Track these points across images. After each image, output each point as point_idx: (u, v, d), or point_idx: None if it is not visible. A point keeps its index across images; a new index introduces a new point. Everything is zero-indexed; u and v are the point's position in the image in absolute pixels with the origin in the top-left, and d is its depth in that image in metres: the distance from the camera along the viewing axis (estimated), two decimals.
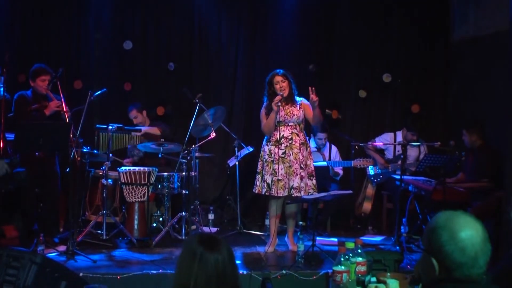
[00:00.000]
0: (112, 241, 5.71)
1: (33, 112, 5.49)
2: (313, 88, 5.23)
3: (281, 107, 5.35)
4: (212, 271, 2.03)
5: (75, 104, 5.82)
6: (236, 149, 6.71)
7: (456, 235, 1.84)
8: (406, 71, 7.73)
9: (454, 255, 1.83)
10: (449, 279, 1.85)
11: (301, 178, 5.34)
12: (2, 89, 5.37)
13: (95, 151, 5.97)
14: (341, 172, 6.94)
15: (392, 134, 6.99)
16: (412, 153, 6.87)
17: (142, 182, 5.87)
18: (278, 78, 5.41)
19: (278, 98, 5.28)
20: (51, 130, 5.08)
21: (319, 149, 6.87)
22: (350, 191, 5.57)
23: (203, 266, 2.03)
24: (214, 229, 6.61)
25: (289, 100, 5.44)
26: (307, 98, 5.38)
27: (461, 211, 1.93)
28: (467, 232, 1.85)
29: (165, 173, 6.10)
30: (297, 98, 5.52)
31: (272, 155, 5.38)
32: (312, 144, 6.73)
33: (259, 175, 5.50)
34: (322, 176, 6.23)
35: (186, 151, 6.02)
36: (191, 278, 2.03)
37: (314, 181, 5.45)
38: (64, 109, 5.37)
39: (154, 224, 6.25)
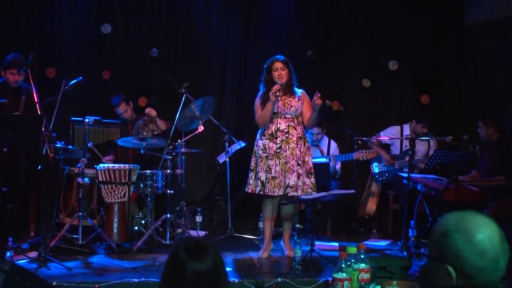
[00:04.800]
0: (89, 247, 5.69)
1: None
2: (320, 95, 5.18)
3: (278, 97, 5.33)
4: (192, 282, 2.00)
5: (47, 94, 5.79)
6: (227, 144, 6.70)
7: (473, 237, 1.81)
8: (415, 58, 7.73)
9: (473, 259, 1.79)
10: (467, 286, 1.82)
11: (298, 176, 5.32)
12: None
13: (70, 147, 5.93)
14: (339, 169, 6.91)
15: (398, 128, 6.98)
16: (421, 148, 6.88)
17: (122, 181, 5.85)
18: (278, 65, 5.39)
19: (276, 87, 5.24)
20: (21, 123, 5.05)
21: (316, 145, 6.87)
22: (352, 190, 5.57)
23: (183, 275, 2.01)
24: (202, 233, 6.60)
25: (288, 90, 5.42)
26: (306, 89, 5.36)
27: (471, 210, 1.90)
28: (485, 232, 1.82)
29: (148, 171, 6.08)
30: (297, 90, 5.50)
31: (267, 150, 5.36)
32: None
33: (252, 173, 5.48)
34: (322, 174, 6.22)
35: (171, 147, 5.99)
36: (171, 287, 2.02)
37: (312, 179, 5.43)
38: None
39: (136, 228, 6.22)
